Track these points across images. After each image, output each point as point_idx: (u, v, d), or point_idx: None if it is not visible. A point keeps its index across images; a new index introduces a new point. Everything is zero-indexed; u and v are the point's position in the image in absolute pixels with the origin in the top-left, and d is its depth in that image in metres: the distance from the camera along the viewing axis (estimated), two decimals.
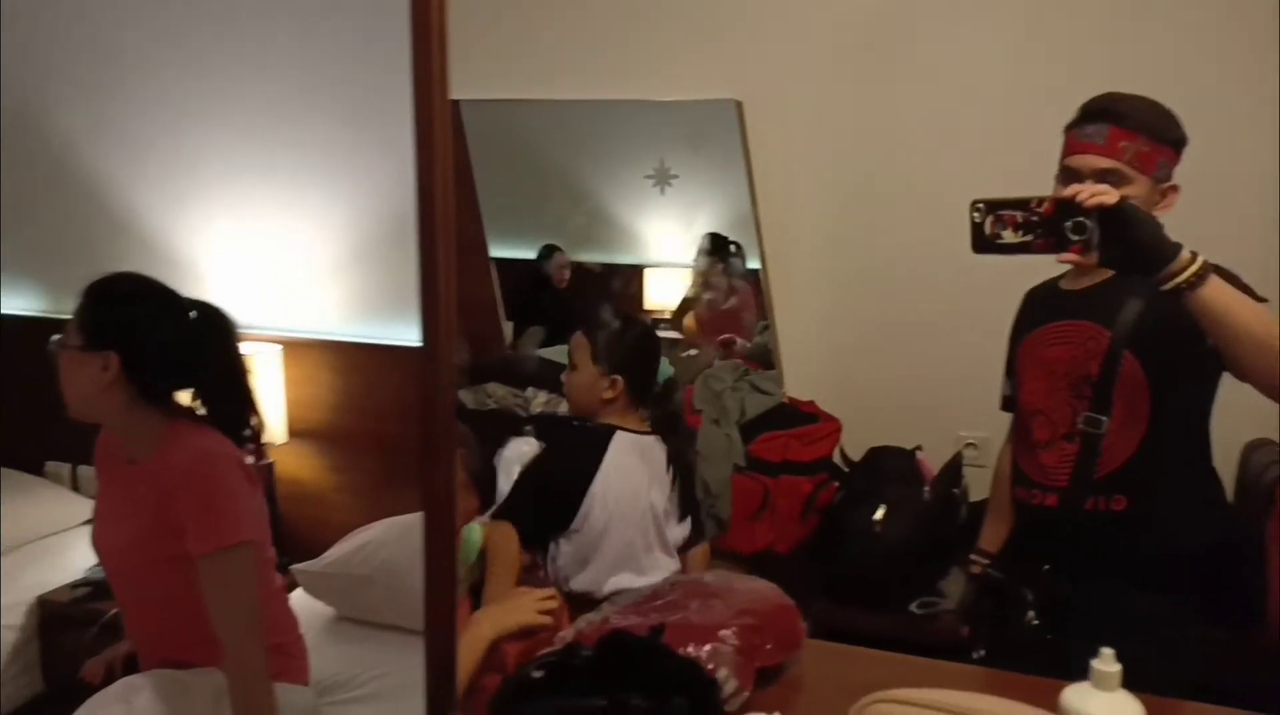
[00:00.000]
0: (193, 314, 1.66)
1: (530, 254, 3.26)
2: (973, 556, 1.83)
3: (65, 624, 2.29)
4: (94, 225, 2.73)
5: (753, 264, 2.90)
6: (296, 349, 2.52)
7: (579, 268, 3.24)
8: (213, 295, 1.72)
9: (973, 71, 2.60)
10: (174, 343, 1.63)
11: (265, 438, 2.06)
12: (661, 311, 3.19)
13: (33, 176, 2.80)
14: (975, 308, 2.10)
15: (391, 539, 2.22)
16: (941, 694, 1.02)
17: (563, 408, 2.67)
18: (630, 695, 1.08)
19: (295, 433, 2.51)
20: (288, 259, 2.59)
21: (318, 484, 2.54)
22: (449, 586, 1.21)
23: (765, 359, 2.90)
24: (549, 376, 2.92)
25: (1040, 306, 1.70)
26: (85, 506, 2.68)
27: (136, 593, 1.70)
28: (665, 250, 3.19)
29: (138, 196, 2.70)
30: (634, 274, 3.22)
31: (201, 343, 1.66)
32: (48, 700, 2.31)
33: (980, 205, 1.28)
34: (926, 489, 2.41)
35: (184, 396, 1.68)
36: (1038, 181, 1.42)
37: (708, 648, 1.25)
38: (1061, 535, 1.57)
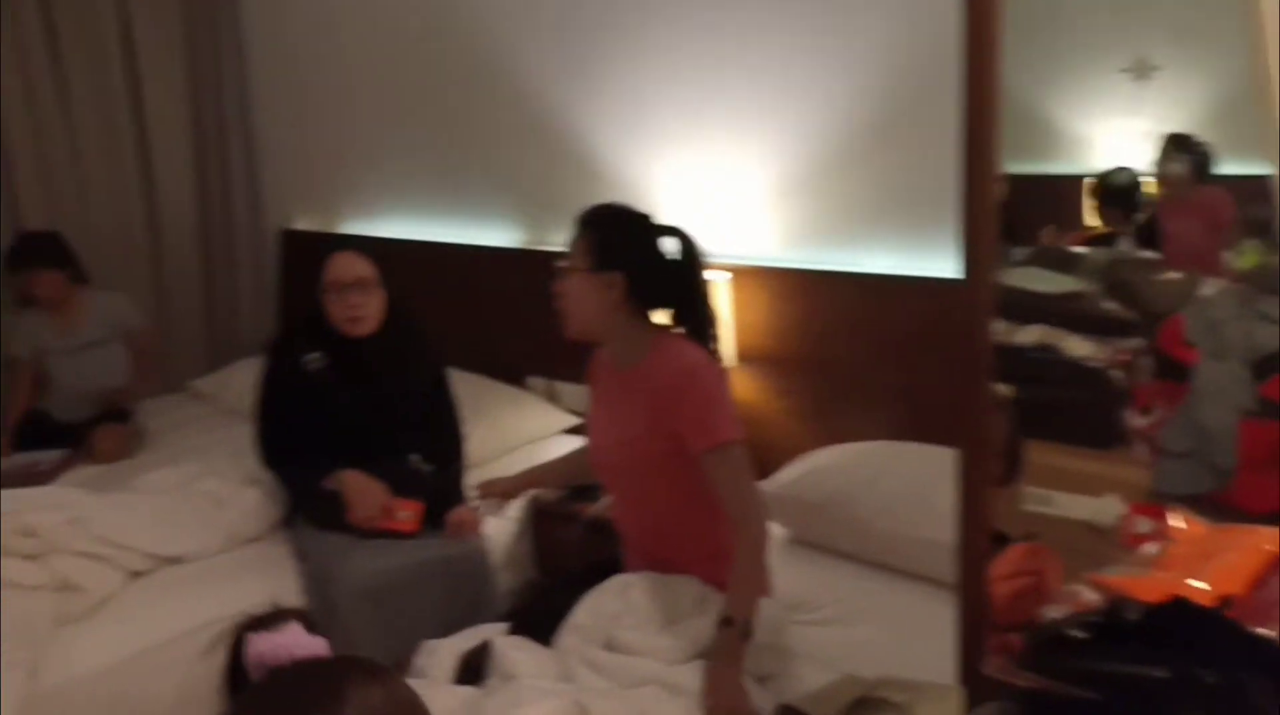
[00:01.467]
0: (674, 239, 1.78)
1: None
2: None
3: (554, 521, 2.59)
4: (558, 162, 3.00)
5: (1235, 168, 2.42)
6: (742, 276, 2.58)
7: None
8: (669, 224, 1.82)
9: None
10: (666, 264, 1.77)
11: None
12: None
13: (503, 119, 3.13)
14: None
15: (842, 467, 2.21)
16: None
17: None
18: (1199, 669, 0.95)
19: (743, 357, 2.59)
20: (734, 186, 2.64)
21: (764, 407, 2.60)
22: (981, 529, 1.13)
23: (1268, 283, 2.44)
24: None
25: None
26: (561, 418, 3.01)
27: (630, 488, 1.88)
28: (1119, 155, 2.79)
29: (596, 132, 2.90)
30: (1073, 185, 2.85)
31: (682, 265, 1.78)
32: (541, 587, 2.64)
33: None
34: None
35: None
36: None
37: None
38: None
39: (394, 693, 0.84)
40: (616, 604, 1.71)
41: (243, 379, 3.48)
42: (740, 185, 2.63)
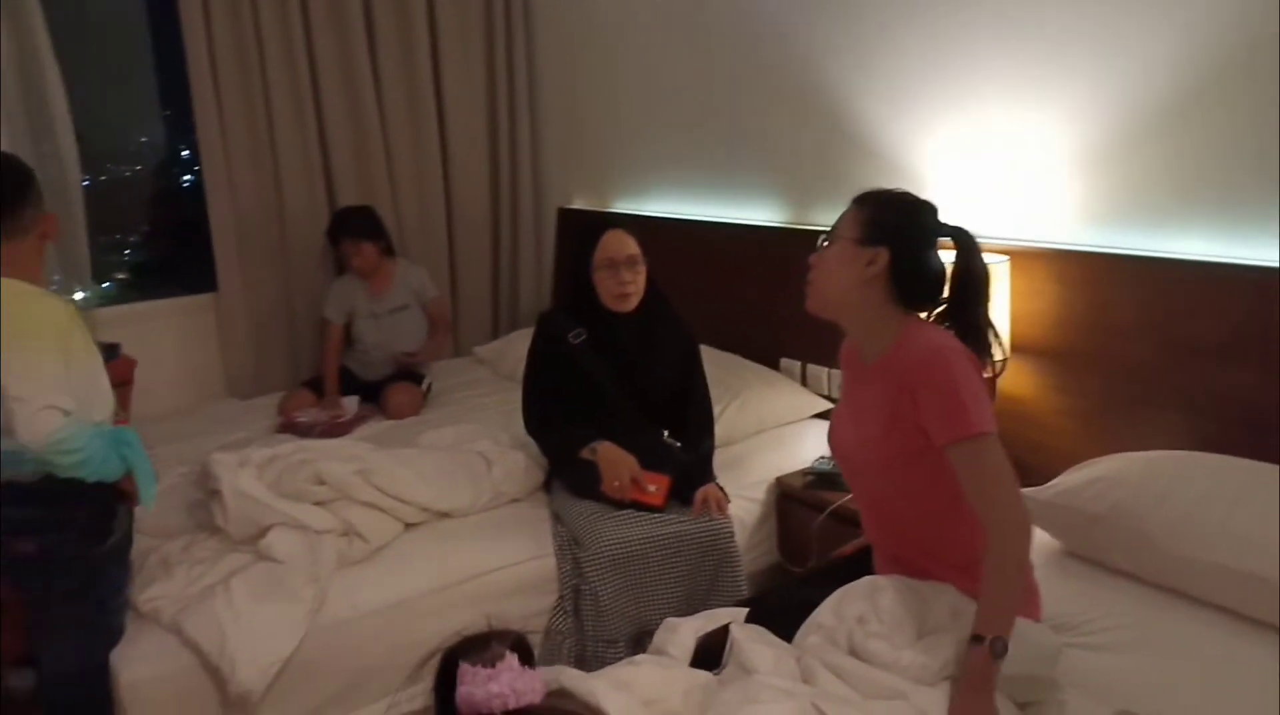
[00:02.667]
0: (955, 237, 1.67)
1: None
2: None
3: (797, 505, 2.53)
4: (827, 138, 2.89)
5: None
6: (1024, 259, 2.35)
7: None
8: (937, 203, 1.69)
9: None
10: (936, 258, 1.65)
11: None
12: None
13: (770, 95, 3.06)
14: None
15: (1129, 478, 1.96)
16: None
17: None
18: None
19: (1017, 348, 2.37)
20: (1020, 160, 2.41)
21: (1038, 404, 2.37)
22: None
23: None
24: None
25: None
26: (813, 402, 2.93)
27: (873, 489, 1.76)
28: None
29: (866, 106, 2.76)
30: None
31: (958, 267, 1.67)
32: (780, 570, 2.60)
33: None
34: None
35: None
36: None
37: None
38: None
39: None
40: (863, 607, 1.61)
41: (519, 348, 3.69)
42: (1027, 159, 2.39)
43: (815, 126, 2.92)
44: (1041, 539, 2.02)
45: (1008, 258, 2.35)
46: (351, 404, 3.27)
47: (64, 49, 3.13)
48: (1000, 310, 2.31)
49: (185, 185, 4.25)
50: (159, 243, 4.22)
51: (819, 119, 2.90)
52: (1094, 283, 2.25)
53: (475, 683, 0.79)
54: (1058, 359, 2.34)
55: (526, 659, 0.85)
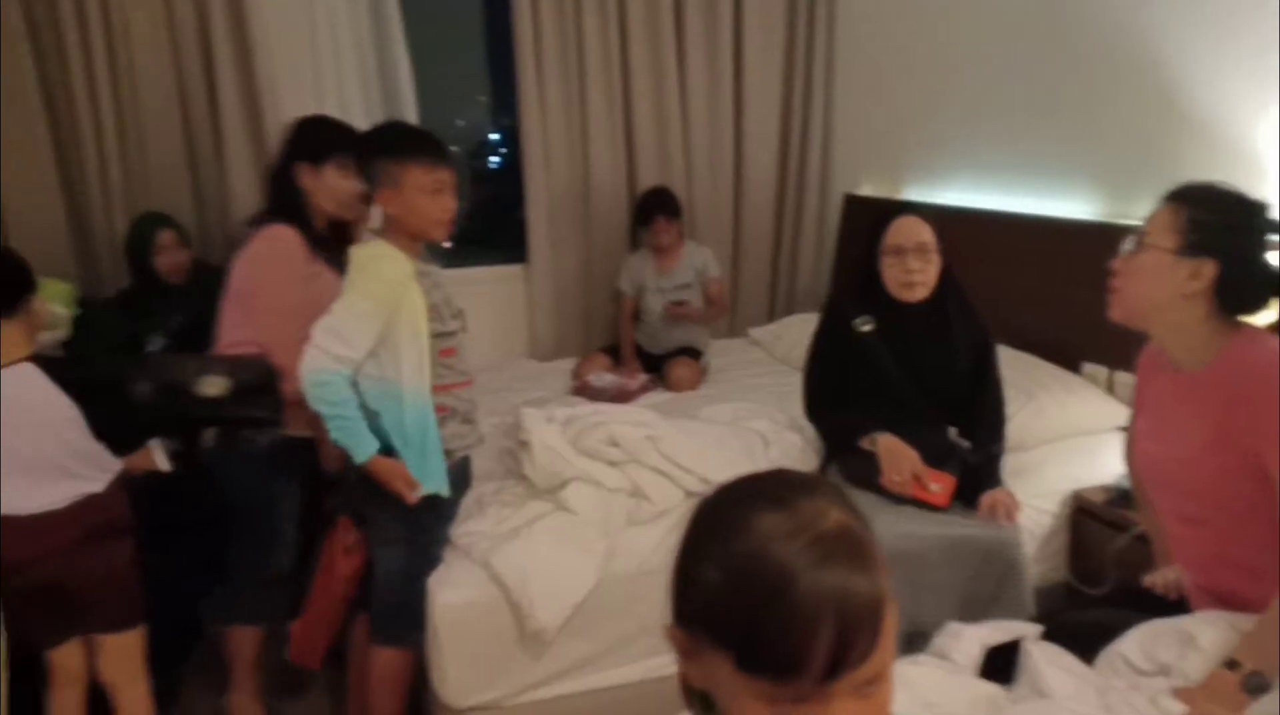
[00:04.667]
0: None
1: None
2: None
3: (1094, 523, 2.37)
4: (1155, 125, 2.64)
5: None
6: None
7: None
8: None
9: None
10: (1265, 258, 1.46)
11: None
12: None
13: (1087, 76, 2.84)
14: None
15: None
16: None
17: None
18: None
19: None
20: None
21: None
22: None
23: None
24: None
25: None
26: (1117, 412, 2.71)
27: (1188, 510, 1.62)
28: None
29: (1206, 88, 2.49)
30: None
31: None
32: (1068, 589, 2.45)
33: None
34: None
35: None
36: None
37: None
38: None
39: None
40: (1176, 652, 1.49)
41: (795, 332, 3.74)
42: None
43: (1142, 110, 2.67)
44: None
45: None
46: (639, 378, 3.44)
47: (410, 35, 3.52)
48: None
49: (492, 167, 4.65)
50: (473, 217, 4.65)
51: (1148, 100, 2.65)
52: None
53: None
54: None
55: None
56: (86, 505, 1.93)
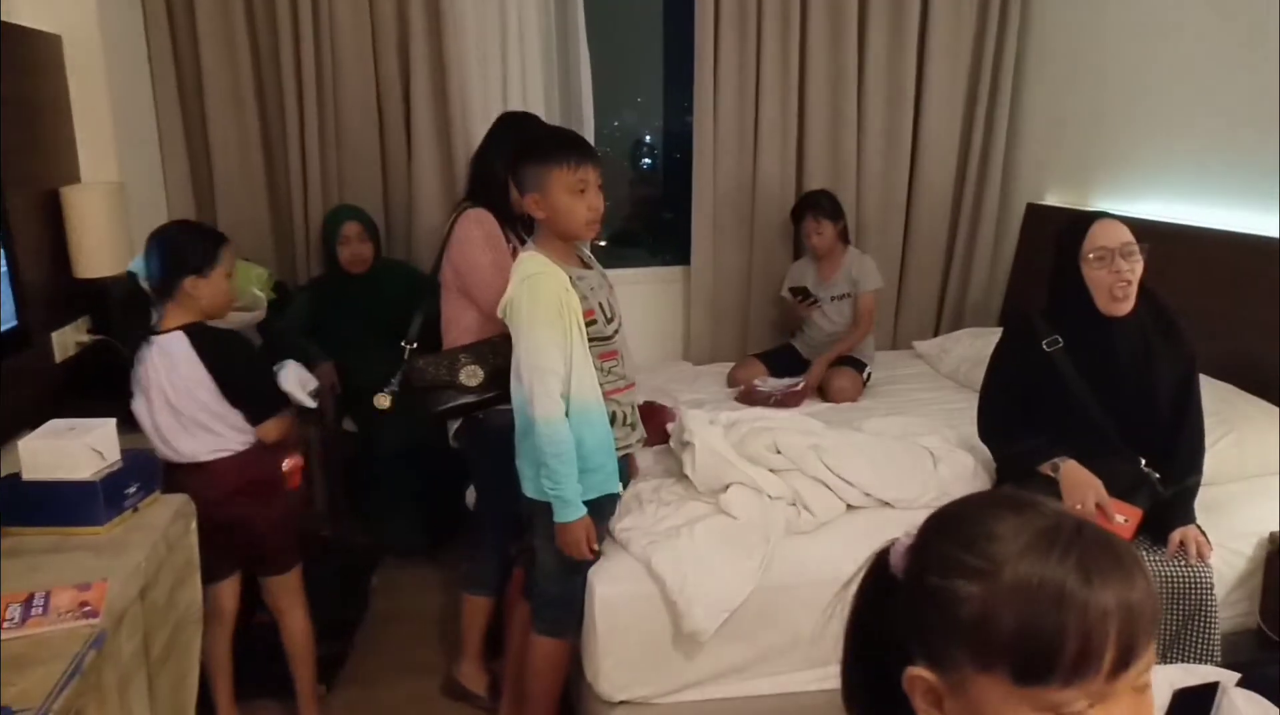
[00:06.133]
0: None
1: None
2: None
3: None
4: None
5: None
6: None
7: None
8: None
9: None
10: None
11: None
12: None
13: None
14: None
15: None
16: None
17: None
18: None
19: None
20: None
21: None
22: None
23: None
24: None
25: None
26: None
27: None
28: None
29: None
30: None
31: None
32: (1259, 636, 2.27)
33: None
34: None
35: None
36: None
37: None
38: None
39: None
40: None
41: (963, 346, 3.61)
42: None
43: None
44: None
45: None
46: (802, 379, 3.40)
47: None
48: None
49: (644, 167, 4.68)
50: (629, 218, 4.71)
51: None
52: None
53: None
54: None
55: None
56: (232, 462, 2.14)
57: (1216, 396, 2.56)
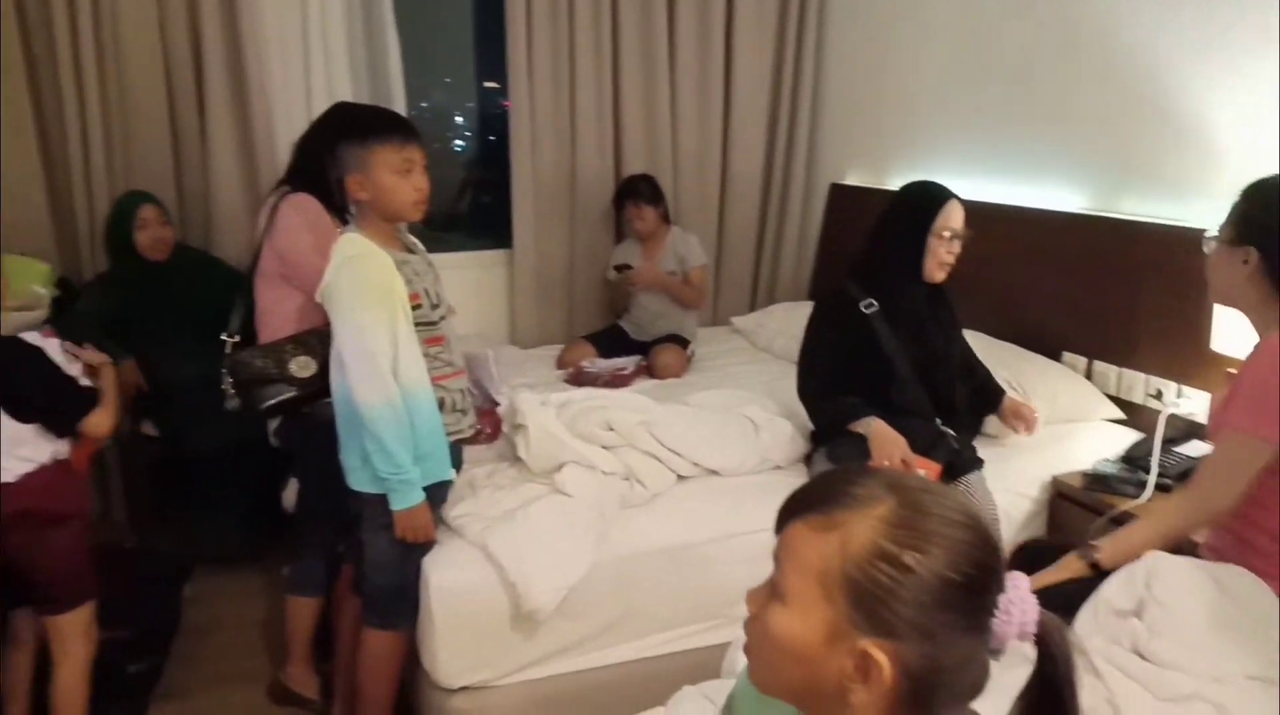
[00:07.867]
0: None
1: None
2: None
3: (1072, 507, 2.46)
4: (1147, 120, 2.70)
5: None
6: None
7: None
8: None
9: None
10: None
11: None
12: None
13: (1080, 70, 2.90)
14: None
15: None
16: None
17: None
18: None
19: None
20: None
21: None
22: None
23: None
24: None
25: None
26: (1100, 402, 2.76)
27: None
28: None
29: (1197, 84, 2.56)
30: None
31: None
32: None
33: None
34: None
35: None
36: None
37: None
38: None
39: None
40: (1142, 594, 1.57)
41: (777, 320, 3.78)
42: None
43: (1134, 104, 2.73)
44: None
45: None
46: (630, 362, 3.45)
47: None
48: None
49: (458, 150, 4.62)
50: (447, 201, 4.62)
51: (1138, 96, 2.71)
52: None
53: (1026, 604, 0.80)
54: None
55: None
56: (22, 485, 1.91)
57: (1004, 357, 2.81)
